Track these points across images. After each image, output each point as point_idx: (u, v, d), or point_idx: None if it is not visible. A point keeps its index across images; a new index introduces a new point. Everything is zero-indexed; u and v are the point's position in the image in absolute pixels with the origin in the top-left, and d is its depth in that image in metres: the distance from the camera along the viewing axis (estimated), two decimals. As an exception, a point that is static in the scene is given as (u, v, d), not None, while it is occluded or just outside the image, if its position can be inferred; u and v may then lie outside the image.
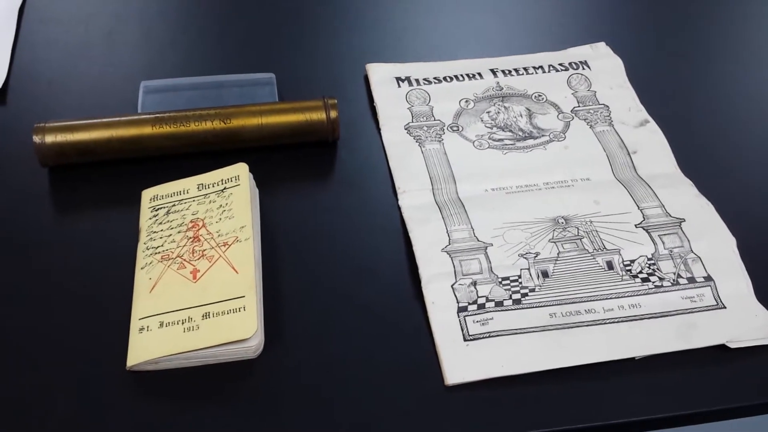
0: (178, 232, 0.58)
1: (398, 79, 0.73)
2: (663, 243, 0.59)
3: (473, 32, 0.80)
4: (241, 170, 0.61)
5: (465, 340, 0.53)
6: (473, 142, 0.68)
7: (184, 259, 0.56)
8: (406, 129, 0.69)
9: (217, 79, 0.72)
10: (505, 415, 0.50)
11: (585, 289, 0.56)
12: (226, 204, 0.59)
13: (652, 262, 0.58)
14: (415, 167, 0.65)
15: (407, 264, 0.58)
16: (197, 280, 0.54)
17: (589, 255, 0.59)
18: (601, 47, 0.78)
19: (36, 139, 0.62)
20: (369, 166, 0.66)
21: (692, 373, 0.52)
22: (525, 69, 0.75)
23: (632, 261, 0.58)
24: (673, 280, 0.57)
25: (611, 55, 0.77)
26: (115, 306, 0.55)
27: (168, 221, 0.59)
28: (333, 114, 0.66)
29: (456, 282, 0.57)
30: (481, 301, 0.56)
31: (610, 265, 0.58)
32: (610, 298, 0.56)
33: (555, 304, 0.55)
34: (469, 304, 0.55)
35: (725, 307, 0.56)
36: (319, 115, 0.66)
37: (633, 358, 0.53)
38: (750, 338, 0.54)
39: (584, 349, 0.53)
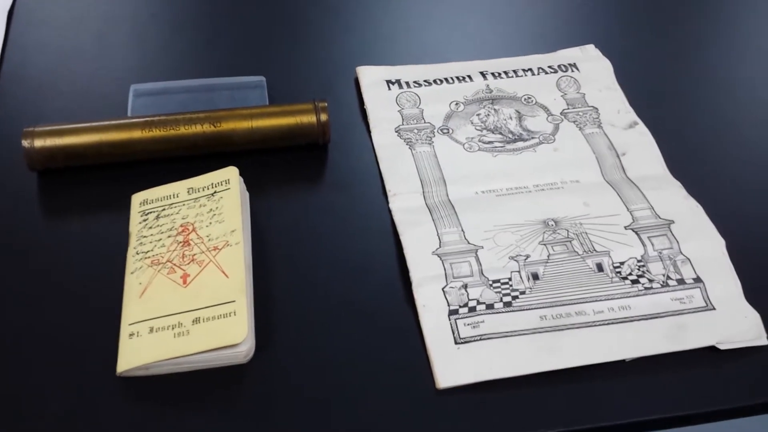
0: (168, 236, 0.57)
1: (388, 81, 0.73)
2: (652, 245, 0.60)
3: (463, 35, 0.80)
4: (231, 174, 0.61)
5: (456, 343, 0.53)
6: (463, 145, 0.68)
7: (174, 264, 0.55)
8: (396, 132, 0.69)
9: (208, 83, 0.72)
10: (496, 418, 0.50)
11: (575, 291, 0.56)
12: (217, 208, 0.59)
13: (642, 264, 0.58)
14: (406, 170, 0.65)
15: (398, 267, 0.58)
16: (187, 285, 0.54)
17: (579, 257, 0.59)
18: (590, 49, 0.78)
19: (25, 143, 0.62)
20: (360, 169, 0.66)
21: (682, 375, 0.53)
22: (514, 71, 0.75)
23: (622, 263, 0.58)
24: (663, 282, 0.57)
25: (600, 57, 0.77)
26: (105, 311, 0.54)
27: (158, 225, 0.58)
28: (323, 117, 0.66)
29: (447, 285, 0.57)
30: (471, 303, 0.56)
31: (600, 267, 0.58)
32: (600, 300, 0.56)
33: (545, 307, 0.55)
34: (460, 307, 0.55)
35: (715, 309, 0.56)
36: (310, 118, 0.66)
37: (623, 360, 0.53)
38: (739, 339, 0.54)
39: (575, 351, 0.53)
